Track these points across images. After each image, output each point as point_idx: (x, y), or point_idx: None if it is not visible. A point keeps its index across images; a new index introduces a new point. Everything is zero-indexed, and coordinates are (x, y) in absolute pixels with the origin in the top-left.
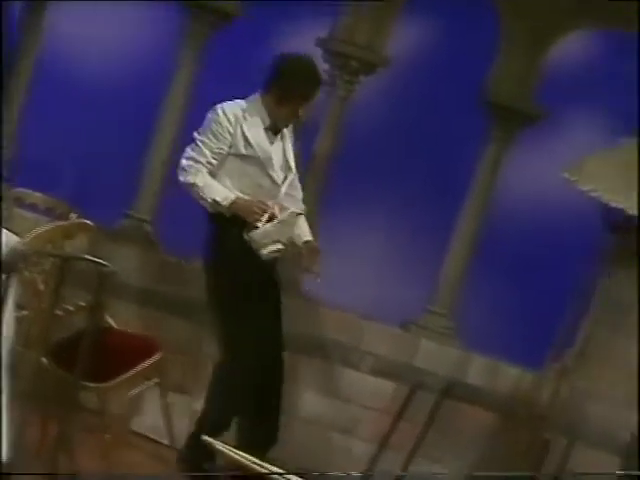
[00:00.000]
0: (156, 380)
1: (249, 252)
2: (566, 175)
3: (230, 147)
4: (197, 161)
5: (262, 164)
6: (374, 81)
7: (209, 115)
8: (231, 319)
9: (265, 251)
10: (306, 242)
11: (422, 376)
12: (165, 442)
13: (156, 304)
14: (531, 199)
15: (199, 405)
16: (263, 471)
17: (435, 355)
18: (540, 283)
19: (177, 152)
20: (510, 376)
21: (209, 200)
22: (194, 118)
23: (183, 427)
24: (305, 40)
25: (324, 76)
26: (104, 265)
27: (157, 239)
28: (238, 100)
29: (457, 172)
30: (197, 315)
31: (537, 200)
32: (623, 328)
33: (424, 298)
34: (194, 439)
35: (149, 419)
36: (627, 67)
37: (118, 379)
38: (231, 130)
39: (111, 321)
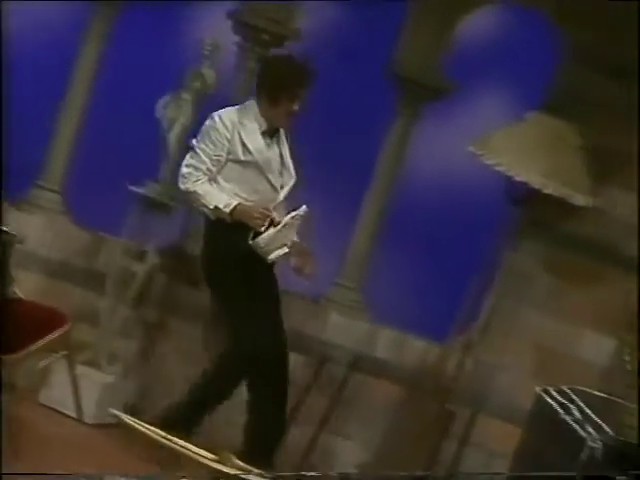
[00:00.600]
0: (64, 353)
1: (249, 255)
2: (472, 149)
3: (228, 154)
4: (197, 168)
5: (261, 169)
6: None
7: (206, 122)
8: (233, 316)
9: (272, 256)
10: (293, 243)
11: (330, 349)
12: (73, 415)
13: (65, 275)
14: (438, 173)
15: (108, 378)
16: (176, 447)
17: (343, 328)
18: (446, 256)
19: (88, 122)
20: (417, 349)
21: (210, 207)
22: (103, 88)
23: (91, 400)
24: (216, 13)
25: (234, 48)
26: (9, 233)
27: (67, 209)
28: (234, 106)
29: (366, 146)
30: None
31: (444, 174)
32: (527, 300)
33: (333, 272)
34: (181, 408)
35: (57, 392)
36: (534, 42)
37: (25, 350)
38: (228, 136)
39: (19, 292)
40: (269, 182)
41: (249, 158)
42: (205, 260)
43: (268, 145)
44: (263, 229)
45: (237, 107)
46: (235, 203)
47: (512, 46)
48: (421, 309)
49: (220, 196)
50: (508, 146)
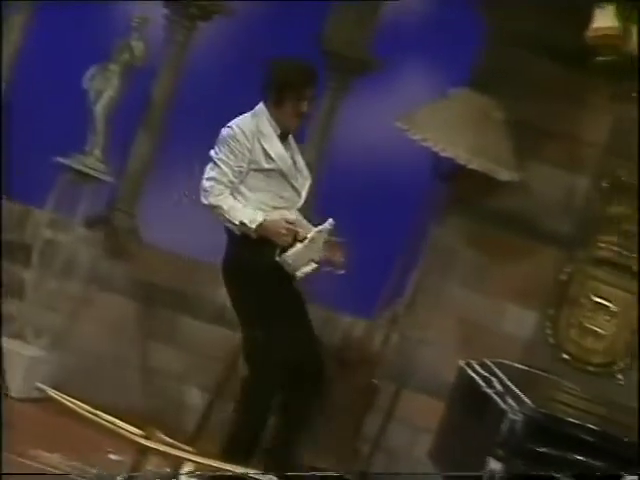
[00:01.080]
0: None
1: (275, 270)
2: (399, 124)
3: (250, 163)
4: (219, 181)
5: (285, 175)
6: (213, 28)
7: (224, 133)
8: (265, 331)
9: (300, 272)
10: (319, 232)
11: None
12: None
13: None
14: (365, 148)
15: (35, 352)
16: (103, 422)
17: None
18: (372, 231)
19: (14, 94)
20: (343, 324)
21: (236, 223)
22: (29, 61)
23: (18, 374)
24: None
25: (163, 21)
26: None
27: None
28: (246, 114)
29: None
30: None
31: (370, 149)
32: (451, 275)
33: None
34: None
35: None
36: (460, 19)
37: None
38: (249, 146)
39: None
40: (293, 187)
41: (272, 165)
42: (230, 275)
43: (286, 149)
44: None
45: (250, 114)
46: (260, 219)
47: (438, 23)
48: (347, 285)
49: (245, 211)
50: (434, 122)
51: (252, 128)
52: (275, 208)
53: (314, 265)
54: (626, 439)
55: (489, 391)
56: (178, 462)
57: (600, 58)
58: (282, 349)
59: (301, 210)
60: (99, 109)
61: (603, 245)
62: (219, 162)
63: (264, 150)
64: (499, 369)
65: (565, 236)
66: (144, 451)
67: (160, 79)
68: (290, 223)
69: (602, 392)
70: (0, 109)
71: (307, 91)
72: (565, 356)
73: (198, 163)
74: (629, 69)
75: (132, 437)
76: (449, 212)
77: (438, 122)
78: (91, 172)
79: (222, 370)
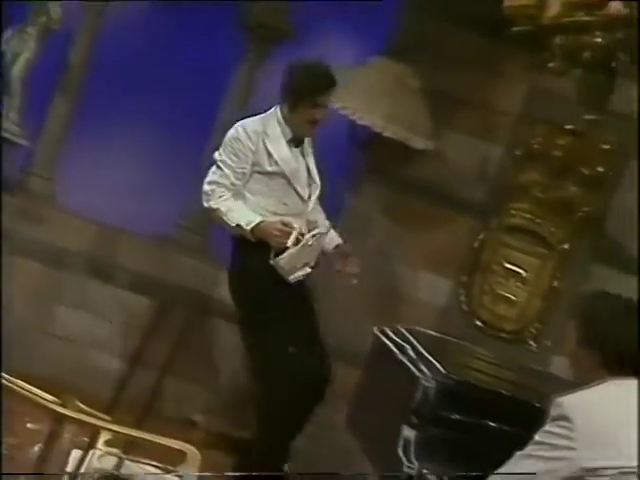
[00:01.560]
0: None
1: (275, 275)
2: None
3: (254, 165)
4: (220, 184)
5: (288, 179)
6: None
7: (228, 134)
8: (260, 344)
9: (292, 277)
10: (336, 247)
11: (174, 291)
12: None
13: None
14: None
15: None
16: (19, 390)
17: (187, 270)
18: None
19: None
20: None
21: (232, 225)
22: None
23: None
24: None
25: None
26: None
27: None
28: (257, 115)
29: (213, 88)
30: None
31: None
32: (366, 242)
33: (177, 213)
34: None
35: None
36: None
37: None
38: (252, 147)
39: None
40: (297, 193)
41: (275, 169)
42: (231, 280)
43: (294, 154)
44: (290, 245)
45: (260, 116)
46: (257, 221)
47: None
48: None
49: (243, 213)
50: (351, 90)
51: (257, 129)
52: (276, 214)
53: (308, 270)
54: (538, 404)
55: (402, 358)
56: (95, 431)
57: (516, 28)
58: (279, 359)
59: None
60: (15, 72)
61: (515, 213)
62: (221, 164)
63: (268, 152)
64: (412, 336)
65: (478, 204)
66: (60, 420)
67: (77, 43)
68: (285, 225)
69: (514, 358)
70: None
71: (323, 99)
72: (478, 323)
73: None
74: (545, 39)
75: (48, 405)
76: (365, 180)
77: (355, 90)
78: (7, 135)
79: (140, 338)
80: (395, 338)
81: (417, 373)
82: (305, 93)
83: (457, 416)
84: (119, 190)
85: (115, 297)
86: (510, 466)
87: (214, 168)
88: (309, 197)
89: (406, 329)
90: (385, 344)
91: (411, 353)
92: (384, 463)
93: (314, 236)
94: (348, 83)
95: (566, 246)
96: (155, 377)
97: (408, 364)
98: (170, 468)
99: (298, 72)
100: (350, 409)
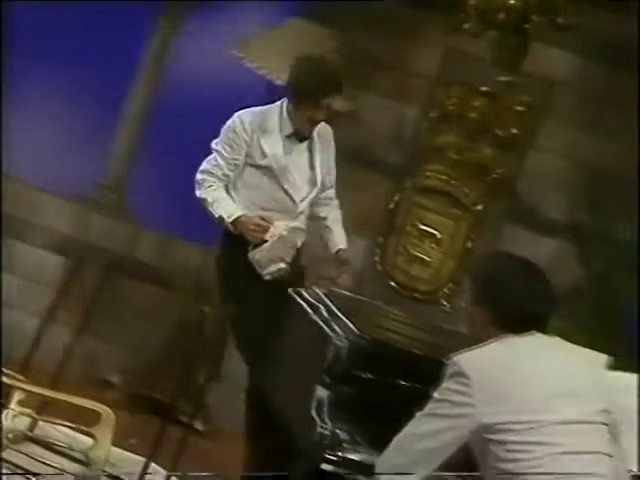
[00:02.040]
0: None
1: (249, 267)
2: (234, 52)
3: (247, 157)
4: (211, 174)
5: (275, 175)
6: None
7: (227, 123)
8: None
9: (265, 272)
10: (337, 251)
11: (92, 251)
12: None
13: None
14: (200, 76)
15: None
16: None
17: (106, 230)
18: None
19: None
20: (179, 252)
21: (216, 216)
22: None
23: None
24: None
25: None
26: None
27: None
28: (259, 107)
29: (129, 49)
30: None
31: (206, 77)
32: None
33: (95, 172)
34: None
35: None
36: None
37: None
38: (247, 139)
39: None
40: (285, 191)
41: (266, 163)
42: (216, 270)
43: (290, 150)
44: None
45: (262, 107)
46: (238, 214)
47: None
48: (185, 212)
49: (227, 205)
50: (269, 50)
51: (255, 121)
52: (265, 209)
53: (281, 265)
54: None
55: (316, 318)
56: (9, 390)
57: None
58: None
59: None
60: None
61: (430, 174)
62: (216, 154)
63: (260, 145)
64: (326, 297)
65: (395, 166)
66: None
67: None
68: (263, 220)
69: (428, 318)
70: None
71: (326, 101)
72: (392, 284)
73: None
74: (460, 1)
75: None
76: None
77: (273, 50)
78: None
79: (54, 296)
80: (309, 299)
81: (330, 333)
82: (309, 92)
83: (370, 375)
84: (38, 150)
85: (32, 256)
86: (412, 427)
87: (208, 158)
88: (307, 194)
89: (320, 289)
90: (299, 304)
91: (324, 313)
92: (298, 424)
93: (288, 231)
94: (266, 43)
95: (480, 207)
96: (70, 337)
97: (321, 324)
98: (84, 429)
99: (304, 70)
100: (266, 368)
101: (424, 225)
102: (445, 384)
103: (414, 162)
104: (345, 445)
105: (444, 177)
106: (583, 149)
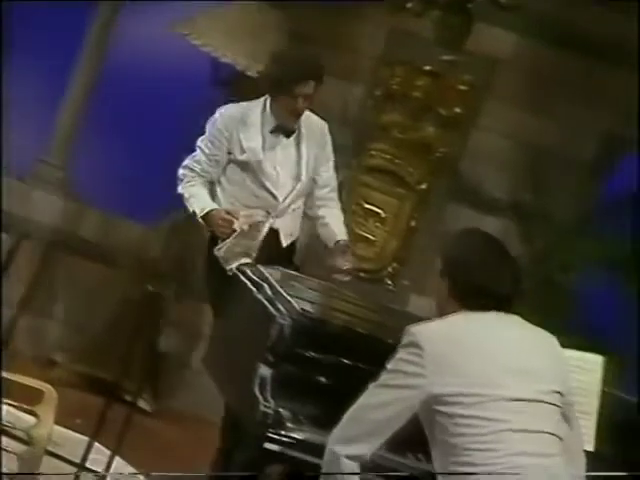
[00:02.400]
0: None
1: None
2: (179, 30)
3: (229, 153)
4: (191, 170)
5: (254, 170)
6: None
7: (210, 119)
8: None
9: (229, 267)
10: (337, 242)
11: (33, 227)
12: None
13: None
14: (145, 54)
15: None
16: None
17: (47, 207)
18: (153, 137)
19: None
20: (123, 230)
21: (191, 211)
22: None
23: None
24: None
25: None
26: None
27: None
28: (244, 102)
29: (74, 27)
30: None
31: (151, 55)
32: None
33: (38, 149)
34: None
35: None
36: None
37: None
38: (227, 134)
39: None
40: (265, 187)
41: (244, 158)
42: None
43: (274, 145)
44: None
45: (247, 102)
46: (209, 209)
47: None
48: (128, 190)
49: (201, 200)
50: (214, 27)
51: (237, 115)
52: (247, 206)
53: (246, 260)
54: (393, 343)
55: (259, 296)
56: None
57: None
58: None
59: None
60: None
61: (375, 153)
62: (198, 149)
63: (239, 140)
64: (271, 275)
65: (340, 145)
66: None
67: None
68: (229, 214)
69: (373, 297)
70: None
71: (301, 89)
72: None
73: None
74: None
75: None
76: None
77: (219, 28)
78: None
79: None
80: (253, 277)
81: (273, 311)
82: (282, 83)
83: (313, 354)
84: None
85: None
86: (365, 397)
87: (194, 153)
88: (291, 190)
89: (264, 267)
90: (243, 282)
91: (268, 291)
92: (241, 402)
93: (251, 226)
94: (211, 21)
95: (424, 186)
96: (13, 314)
97: (265, 302)
98: (27, 407)
99: (277, 61)
100: (208, 348)
101: (369, 204)
102: (399, 354)
103: (359, 141)
104: (288, 424)
105: (388, 156)
106: (525, 128)
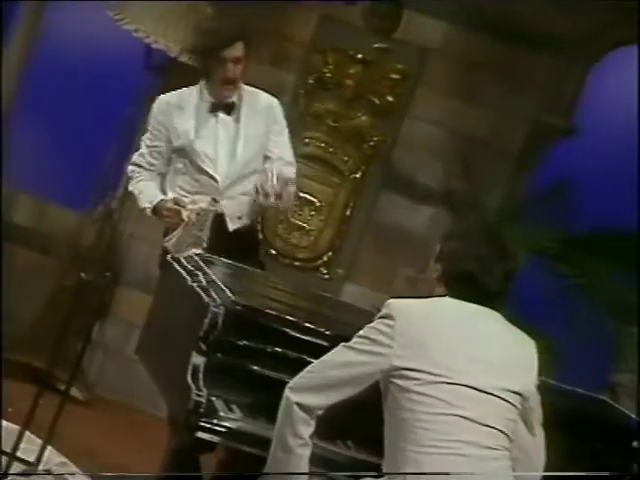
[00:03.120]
0: None
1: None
2: (111, 14)
3: (167, 142)
4: (137, 165)
5: (187, 153)
6: None
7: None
8: None
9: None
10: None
11: None
12: None
13: None
14: (78, 37)
15: None
16: None
17: None
18: (86, 122)
19: None
20: (56, 216)
21: (141, 208)
22: None
23: None
24: None
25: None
26: None
27: None
28: (183, 89)
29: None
30: None
31: (84, 38)
32: None
33: None
34: None
35: None
36: None
37: None
38: (164, 122)
39: None
40: (203, 170)
41: (180, 143)
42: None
43: (213, 124)
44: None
45: (185, 89)
46: (156, 201)
47: None
48: (61, 176)
49: (149, 194)
50: (147, 13)
51: (173, 102)
52: (190, 193)
53: (196, 251)
54: (327, 332)
55: (193, 285)
56: None
57: None
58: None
59: None
60: None
61: (309, 141)
62: (142, 142)
63: (174, 126)
64: (205, 264)
65: None
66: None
67: None
68: (176, 204)
69: (308, 286)
70: None
71: (231, 52)
72: (272, 251)
73: None
74: None
75: None
76: None
77: (151, 13)
78: None
79: None
80: (187, 265)
81: (207, 299)
82: (208, 49)
83: (246, 342)
84: None
85: None
86: (331, 355)
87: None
88: (230, 170)
89: (199, 256)
90: (177, 271)
91: (202, 280)
92: (173, 391)
93: (199, 214)
94: (142, 7)
95: (358, 175)
96: None
97: (199, 291)
98: None
99: (202, 29)
100: (141, 336)
101: (304, 193)
102: (373, 323)
103: (293, 129)
104: (221, 413)
105: (322, 144)
106: (457, 117)
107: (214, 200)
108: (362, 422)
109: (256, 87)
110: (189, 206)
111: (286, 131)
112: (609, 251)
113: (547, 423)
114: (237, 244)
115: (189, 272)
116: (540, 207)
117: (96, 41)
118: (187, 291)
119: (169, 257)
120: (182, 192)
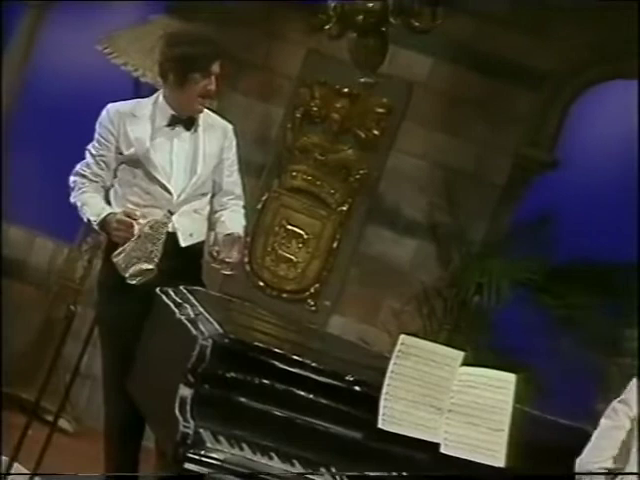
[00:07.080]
0: None
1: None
2: (100, 48)
3: (119, 153)
4: (82, 175)
5: (141, 163)
6: None
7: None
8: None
9: (128, 274)
10: (227, 235)
11: None
12: None
13: None
14: (67, 71)
15: None
16: None
17: None
18: (76, 154)
19: None
20: (46, 249)
21: (85, 220)
22: None
23: None
24: None
25: None
26: None
27: None
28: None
29: None
30: None
31: (74, 71)
32: None
33: None
34: None
35: None
36: None
37: None
38: (114, 131)
39: None
40: (157, 181)
41: (132, 152)
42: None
43: (168, 137)
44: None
45: (136, 99)
46: (104, 214)
47: None
48: (51, 209)
49: (95, 206)
50: (134, 47)
51: (125, 110)
52: (140, 206)
53: (146, 266)
54: (313, 363)
55: (181, 317)
56: None
57: None
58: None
59: None
60: None
61: (296, 174)
62: (87, 153)
63: (126, 134)
64: (193, 296)
65: (262, 166)
66: None
67: None
68: (128, 216)
69: (295, 318)
70: None
71: (216, 68)
72: (260, 283)
73: None
74: (323, 5)
75: None
76: None
77: (139, 48)
78: None
79: None
80: (175, 298)
81: (195, 332)
82: (198, 61)
83: (233, 374)
84: None
85: None
86: None
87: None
88: (187, 184)
89: (186, 289)
90: (165, 304)
91: (190, 312)
92: (161, 424)
93: (152, 227)
94: (130, 40)
95: (345, 207)
96: None
97: (187, 323)
98: None
99: (184, 42)
100: (131, 368)
101: (291, 225)
102: None
103: (281, 162)
104: (208, 444)
105: (309, 177)
106: (442, 150)
107: (170, 212)
108: None
109: (242, 119)
110: (140, 220)
111: (236, 161)
112: (591, 283)
113: (529, 453)
114: (184, 262)
115: (177, 304)
116: (523, 239)
117: (85, 75)
118: (175, 323)
119: (158, 290)
120: (131, 205)
